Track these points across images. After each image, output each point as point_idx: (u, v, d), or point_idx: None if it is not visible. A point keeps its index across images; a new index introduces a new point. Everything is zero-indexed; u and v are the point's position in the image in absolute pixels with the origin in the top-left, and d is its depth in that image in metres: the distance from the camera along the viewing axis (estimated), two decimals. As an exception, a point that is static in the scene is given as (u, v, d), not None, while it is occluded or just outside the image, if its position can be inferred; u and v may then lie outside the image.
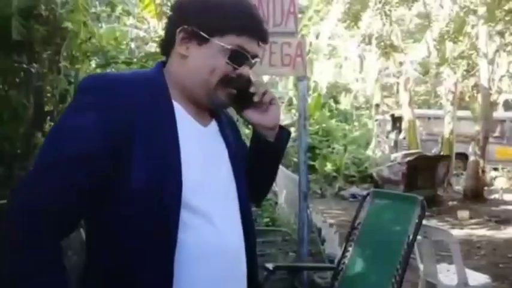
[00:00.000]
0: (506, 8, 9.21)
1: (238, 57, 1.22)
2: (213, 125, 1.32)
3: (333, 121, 16.79)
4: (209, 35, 1.20)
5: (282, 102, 16.18)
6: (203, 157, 1.22)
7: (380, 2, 10.25)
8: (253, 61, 1.25)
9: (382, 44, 11.35)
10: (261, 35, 1.26)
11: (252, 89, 1.28)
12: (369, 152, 15.29)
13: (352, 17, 10.47)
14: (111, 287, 1.12)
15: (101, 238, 1.14)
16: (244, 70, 1.24)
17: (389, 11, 10.53)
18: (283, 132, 1.39)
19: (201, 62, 1.22)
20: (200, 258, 1.15)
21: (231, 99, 1.27)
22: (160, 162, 1.12)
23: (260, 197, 1.55)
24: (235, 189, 1.28)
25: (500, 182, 12.71)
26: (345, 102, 19.44)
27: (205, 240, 1.16)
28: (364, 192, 3.53)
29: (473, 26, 10.37)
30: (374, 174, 11.04)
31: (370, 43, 11.36)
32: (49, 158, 1.09)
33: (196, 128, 1.25)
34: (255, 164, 1.37)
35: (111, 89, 1.15)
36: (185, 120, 1.22)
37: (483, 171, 10.55)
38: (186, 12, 1.23)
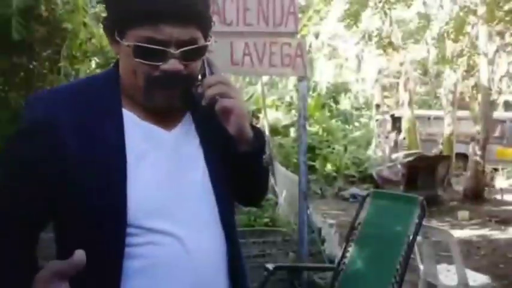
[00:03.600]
0: (506, 8, 9.22)
1: (149, 52, 1.00)
2: (184, 124, 1.13)
3: (333, 121, 16.79)
4: (120, 33, 1.03)
5: (282, 103, 16.20)
6: (165, 170, 1.06)
7: (380, 2, 10.26)
8: (178, 50, 1.01)
9: (382, 41, 11.35)
10: (178, 17, 1.00)
11: (198, 89, 1.08)
12: (369, 152, 15.29)
13: (352, 16, 10.48)
14: None
15: (58, 253, 1.07)
16: (168, 65, 1.01)
17: (389, 9, 10.54)
18: (256, 139, 1.15)
19: (123, 64, 1.07)
20: (162, 277, 1.02)
21: (174, 99, 1.05)
22: (102, 186, 0.99)
23: (254, 199, 1.36)
24: (213, 193, 1.11)
25: (500, 182, 12.70)
26: (345, 103, 19.44)
27: (168, 260, 1.03)
28: (364, 193, 3.53)
29: (473, 26, 10.37)
30: (374, 175, 11.05)
31: (370, 39, 11.35)
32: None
33: (154, 136, 1.07)
34: (234, 168, 1.16)
35: (39, 116, 1.03)
36: (139, 131, 1.06)
37: (483, 172, 10.54)
38: (105, 8, 1.09)
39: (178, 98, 1.07)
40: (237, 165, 1.15)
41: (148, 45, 1.00)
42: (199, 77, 1.11)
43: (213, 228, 1.11)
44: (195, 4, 1.03)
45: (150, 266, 1.02)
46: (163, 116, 1.09)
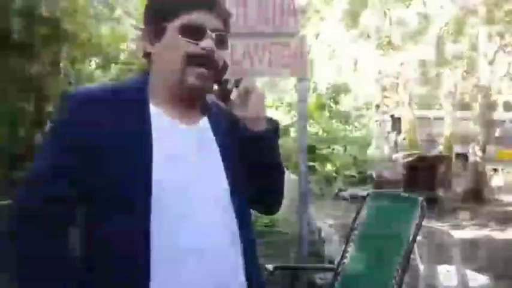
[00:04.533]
0: (506, 8, 9.22)
1: (192, 31, 1.21)
2: (202, 124, 1.29)
3: (333, 122, 16.79)
4: (163, 23, 1.23)
5: (282, 103, 16.20)
6: (187, 160, 1.21)
7: (379, 1, 10.26)
8: (213, 34, 1.23)
9: (381, 41, 11.35)
10: (214, 8, 1.24)
11: (228, 86, 1.27)
12: (369, 153, 15.29)
13: (351, 16, 10.48)
14: (89, 280, 1.16)
15: (84, 238, 1.21)
16: (206, 43, 1.21)
17: (388, 9, 10.55)
18: (270, 123, 1.32)
19: (164, 52, 1.24)
20: (177, 261, 1.14)
21: (204, 82, 1.23)
22: (131, 172, 1.14)
23: (270, 204, 1.44)
24: (228, 190, 1.24)
25: (497, 181, 12.72)
26: (345, 103, 19.43)
27: (187, 245, 1.15)
28: (364, 193, 3.52)
29: (473, 27, 10.37)
30: (374, 175, 11.04)
31: (369, 37, 11.35)
32: (34, 169, 1.20)
33: (179, 131, 1.23)
34: (247, 159, 1.29)
35: (80, 108, 1.19)
36: (165, 126, 1.22)
37: (483, 172, 10.54)
38: (145, 12, 1.29)
39: (209, 85, 1.24)
40: (251, 154, 1.28)
41: (193, 24, 1.21)
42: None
43: (228, 219, 1.23)
44: (223, 2, 1.29)
45: (170, 252, 1.13)
46: (187, 115, 1.25)
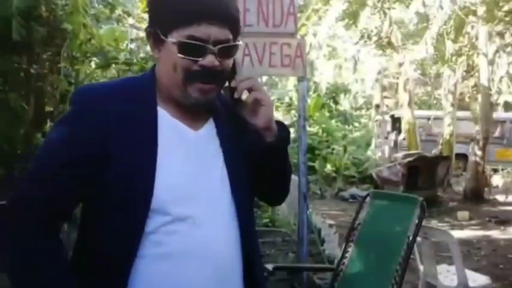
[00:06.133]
0: (505, 8, 9.22)
1: (190, 48, 1.13)
2: (208, 126, 1.25)
3: (333, 122, 16.80)
4: (164, 34, 1.15)
5: (282, 103, 16.20)
6: (189, 164, 1.18)
7: (379, 1, 10.27)
8: (216, 48, 1.14)
9: (381, 40, 11.36)
10: (216, 17, 1.14)
11: (232, 83, 1.21)
12: (369, 153, 15.29)
13: (351, 16, 10.49)
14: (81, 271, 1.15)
15: (81, 231, 1.20)
16: (205, 61, 1.14)
17: (388, 9, 10.55)
18: (282, 131, 1.28)
19: (166, 61, 1.18)
20: (181, 264, 1.13)
21: (208, 95, 1.18)
22: (134, 173, 1.12)
23: (278, 197, 1.45)
24: (231, 195, 1.22)
25: (496, 181, 12.72)
26: (345, 103, 19.44)
27: (188, 247, 1.14)
28: (364, 193, 3.53)
29: (472, 27, 10.37)
30: (374, 175, 11.03)
31: (369, 39, 11.35)
32: (35, 165, 1.18)
33: (183, 133, 1.20)
34: (258, 163, 1.27)
35: (89, 103, 1.17)
36: (170, 127, 1.19)
37: (483, 172, 10.54)
38: (149, 14, 1.23)
39: (213, 97, 1.19)
40: (264, 158, 1.26)
41: (191, 41, 1.13)
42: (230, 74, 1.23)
43: (230, 223, 1.21)
44: (231, 8, 1.18)
45: (169, 253, 1.12)
46: (191, 117, 1.22)
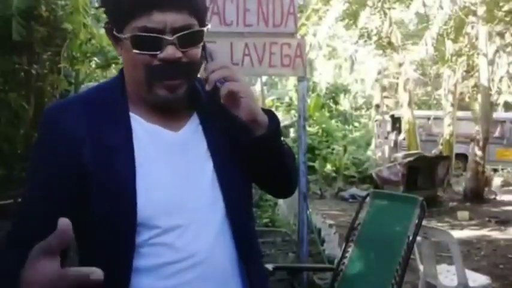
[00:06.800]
0: (505, 8, 9.22)
1: (145, 41, 1.00)
2: (191, 124, 1.13)
3: (333, 122, 16.81)
4: (119, 30, 1.03)
5: (282, 103, 16.21)
6: (173, 170, 1.07)
7: (379, 1, 10.27)
8: (174, 36, 1.00)
9: (381, 40, 11.36)
10: (169, 4, 0.99)
11: (201, 74, 1.08)
12: (369, 153, 15.30)
13: (351, 16, 10.49)
14: None
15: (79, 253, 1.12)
16: (165, 53, 1.01)
17: (388, 9, 10.55)
18: (271, 122, 1.13)
19: (126, 60, 1.08)
20: (175, 275, 1.05)
21: (177, 91, 1.05)
22: (113, 191, 1.03)
23: (287, 186, 1.30)
24: (222, 198, 1.10)
25: (499, 182, 12.72)
26: (345, 103, 19.45)
27: (179, 257, 1.05)
28: (364, 193, 3.53)
29: (472, 27, 10.37)
30: (374, 175, 11.03)
31: (370, 38, 11.35)
32: (23, 197, 1.10)
33: (161, 138, 1.09)
34: (253, 158, 1.15)
35: (54, 122, 1.07)
36: (146, 132, 1.08)
37: (483, 172, 10.54)
38: (104, 10, 1.11)
39: (183, 92, 1.06)
40: (258, 153, 1.13)
41: (143, 33, 1.00)
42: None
43: (222, 230, 1.11)
44: None
45: (159, 265, 1.04)
46: (169, 117, 1.10)
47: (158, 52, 1.01)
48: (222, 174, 1.11)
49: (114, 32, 1.04)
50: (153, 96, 1.06)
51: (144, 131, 1.08)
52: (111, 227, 1.03)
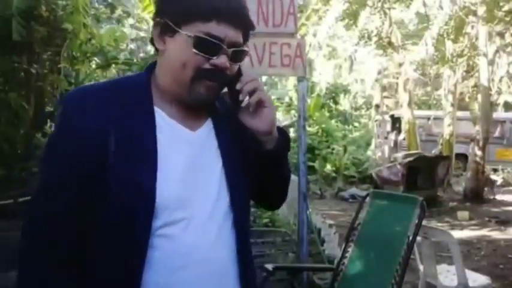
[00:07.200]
0: (505, 8, 9.22)
1: (207, 45, 1.09)
2: (206, 127, 1.21)
3: (333, 122, 16.81)
4: (176, 25, 1.10)
5: (282, 103, 16.21)
6: (188, 166, 1.14)
7: (379, 1, 10.27)
8: (230, 49, 1.11)
9: (381, 41, 11.36)
10: (234, 19, 1.11)
11: (237, 86, 1.17)
12: (369, 153, 15.30)
13: (351, 16, 10.49)
14: None
15: (84, 252, 1.14)
16: (219, 60, 1.11)
17: (388, 9, 10.55)
18: (281, 137, 1.24)
19: (174, 55, 1.13)
20: (177, 266, 1.10)
21: (211, 92, 1.15)
22: (133, 181, 1.08)
23: (276, 201, 1.41)
24: (229, 197, 1.18)
25: (499, 182, 12.73)
26: (345, 103, 19.45)
27: (181, 250, 1.10)
28: (364, 193, 3.53)
29: (472, 27, 10.37)
30: (374, 175, 11.03)
31: (370, 38, 11.35)
32: (38, 186, 1.14)
33: (181, 135, 1.16)
34: (256, 168, 1.23)
35: (79, 109, 1.11)
36: (168, 129, 1.14)
37: (483, 172, 10.54)
38: (159, 3, 1.17)
39: (215, 95, 1.16)
40: (263, 166, 1.23)
41: (207, 37, 1.09)
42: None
43: (226, 225, 1.18)
44: (248, 14, 1.16)
45: (166, 256, 1.10)
46: (189, 117, 1.18)
47: (214, 57, 1.11)
48: (229, 174, 1.19)
49: (174, 27, 1.10)
50: (192, 93, 1.13)
51: (167, 125, 1.15)
52: (128, 215, 1.07)
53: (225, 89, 1.20)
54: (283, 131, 1.27)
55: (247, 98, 1.18)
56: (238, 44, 1.14)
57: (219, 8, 1.09)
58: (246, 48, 1.17)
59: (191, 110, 1.18)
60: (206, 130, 1.21)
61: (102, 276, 1.10)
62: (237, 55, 1.14)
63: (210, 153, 1.19)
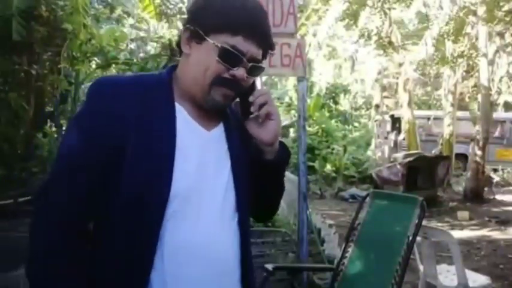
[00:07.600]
0: (505, 8, 9.22)
1: (230, 56, 1.19)
2: (219, 129, 1.29)
3: (333, 122, 16.81)
4: (205, 33, 1.20)
5: (282, 103, 16.22)
6: (201, 164, 1.21)
7: (379, 1, 10.27)
8: (249, 64, 1.21)
9: (381, 40, 11.36)
10: (258, 37, 1.22)
11: (250, 98, 1.26)
12: (369, 153, 15.30)
13: (351, 16, 10.49)
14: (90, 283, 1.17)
15: (95, 238, 1.20)
16: (238, 72, 1.21)
17: (388, 9, 10.56)
18: (282, 151, 1.34)
19: (198, 60, 1.22)
20: (184, 261, 1.16)
21: (227, 100, 1.24)
22: (151, 169, 1.14)
23: (265, 214, 1.50)
24: (235, 197, 1.26)
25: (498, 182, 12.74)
26: (345, 103, 19.46)
27: (188, 245, 1.16)
28: (364, 193, 3.52)
29: (472, 27, 10.38)
30: (373, 175, 11.03)
31: (370, 38, 11.36)
32: (53, 170, 1.20)
33: (197, 133, 1.24)
34: (256, 177, 1.32)
35: (106, 97, 1.18)
36: (186, 125, 1.22)
37: (483, 172, 10.54)
38: (192, 12, 1.25)
39: (229, 103, 1.27)
40: (260, 176, 1.31)
41: (234, 51, 1.19)
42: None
43: (232, 225, 1.25)
44: (271, 35, 1.27)
45: (175, 249, 1.16)
46: (205, 118, 1.26)
47: (234, 69, 1.20)
48: (236, 173, 1.27)
49: (203, 35, 1.20)
50: (209, 98, 1.22)
51: (186, 122, 1.23)
52: (142, 204, 1.13)
53: (237, 99, 1.29)
54: (284, 146, 1.36)
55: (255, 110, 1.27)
56: (257, 60, 1.24)
57: (248, 26, 1.20)
58: (263, 65, 1.26)
59: (206, 112, 1.26)
60: (219, 132, 1.29)
61: (114, 260, 1.15)
62: (254, 70, 1.24)
63: (220, 154, 1.27)
